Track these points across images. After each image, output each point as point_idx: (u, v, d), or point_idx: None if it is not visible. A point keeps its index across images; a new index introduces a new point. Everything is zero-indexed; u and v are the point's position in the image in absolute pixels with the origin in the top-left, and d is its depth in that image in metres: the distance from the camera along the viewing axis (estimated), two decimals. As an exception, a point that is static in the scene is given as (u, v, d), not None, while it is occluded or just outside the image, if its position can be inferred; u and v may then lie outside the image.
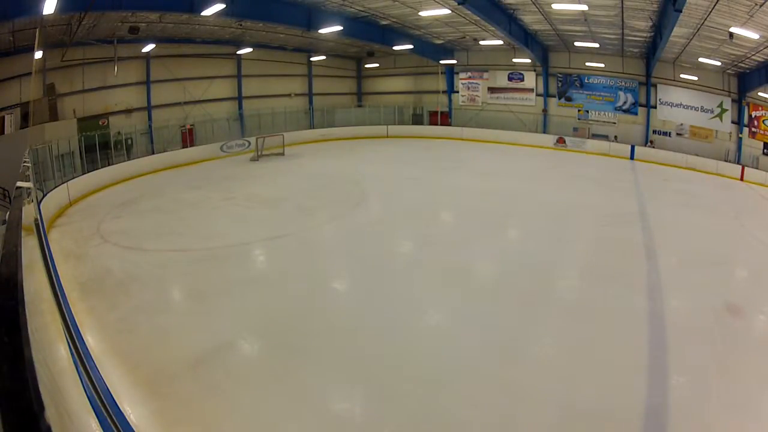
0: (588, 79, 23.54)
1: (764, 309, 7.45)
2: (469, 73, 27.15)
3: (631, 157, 21.56)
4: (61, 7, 11.01)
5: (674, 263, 9.29)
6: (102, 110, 19.03)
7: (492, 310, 7.15)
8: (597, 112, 23.69)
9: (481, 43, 22.37)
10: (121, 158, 18.14)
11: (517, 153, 22.69)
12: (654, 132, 22.20)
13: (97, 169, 16.16)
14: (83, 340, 4.79)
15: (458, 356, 5.86)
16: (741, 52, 15.37)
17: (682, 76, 20.48)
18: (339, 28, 17.97)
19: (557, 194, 14.73)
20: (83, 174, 15.38)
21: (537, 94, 25.24)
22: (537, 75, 24.95)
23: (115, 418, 3.24)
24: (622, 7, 13.43)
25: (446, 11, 16.04)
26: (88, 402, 3.32)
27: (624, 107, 22.87)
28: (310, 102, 28.58)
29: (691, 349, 6.10)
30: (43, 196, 11.81)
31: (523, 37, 19.53)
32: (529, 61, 23.89)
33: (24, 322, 1.35)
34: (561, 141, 23.65)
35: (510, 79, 25.89)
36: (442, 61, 26.19)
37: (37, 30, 12.95)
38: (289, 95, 27.35)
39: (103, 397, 3.37)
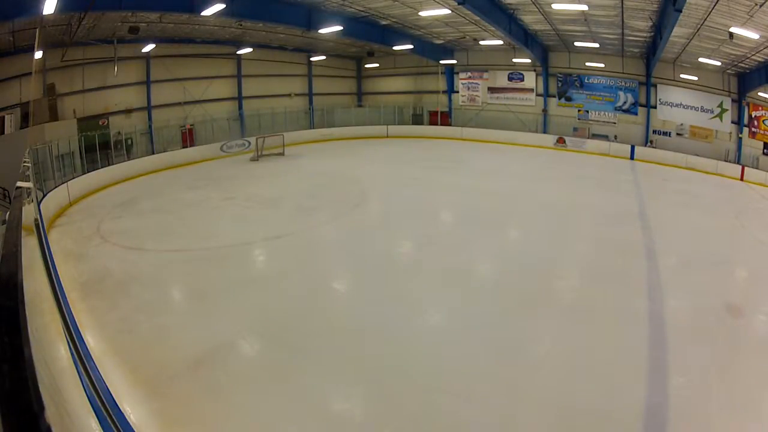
0: (588, 79, 23.53)
1: (764, 309, 7.45)
2: (469, 73, 27.15)
3: (631, 157, 21.56)
4: (61, 7, 11.02)
5: (674, 263, 9.29)
6: (102, 110, 19.06)
7: (492, 310, 7.15)
8: (597, 112, 23.68)
9: (481, 43, 22.36)
10: (121, 158, 18.16)
11: (517, 153, 22.69)
12: (654, 132, 22.21)
13: (97, 169, 16.16)
14: (83, 340, 4.79)
15: (458, 356, 5.86)
16: (741, 52, 15.36)
17: (682, 76, 20.48)
18: (339, 28, 17.98)
19: (557, 194, 14.73)
20: (83, 174, 15.39)
21: (537, 94, 25.24)
22: (537, 75, 24.95)
23: (115, 418, 3.24)
24: (622, 7, 13.43)
25: (446, 11, 16.05)
26: (88, 402, 3.32)
27: (624, 107, 22.87)
28: (310, 102, 28.59)
29: (691, 349, 6.09)
30: (43, 196, 11.81)
31: (523, 37, 19.53)
32: (529, 61, 23.89)
33: (24, 322, 1.35)
34: (561, 141, 23.65)
35: (510, 79, 25.89)
36: (442, 61, 26.19)
37: (37, 30, 12.95)
38: (289, 95, 27.36)
39: (103, 397, 3.37)
